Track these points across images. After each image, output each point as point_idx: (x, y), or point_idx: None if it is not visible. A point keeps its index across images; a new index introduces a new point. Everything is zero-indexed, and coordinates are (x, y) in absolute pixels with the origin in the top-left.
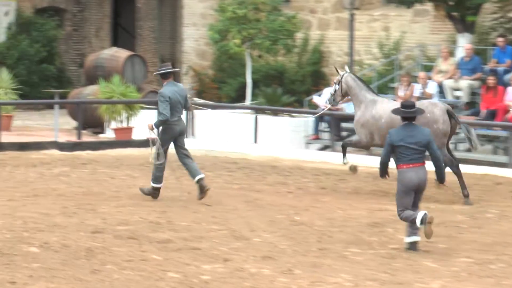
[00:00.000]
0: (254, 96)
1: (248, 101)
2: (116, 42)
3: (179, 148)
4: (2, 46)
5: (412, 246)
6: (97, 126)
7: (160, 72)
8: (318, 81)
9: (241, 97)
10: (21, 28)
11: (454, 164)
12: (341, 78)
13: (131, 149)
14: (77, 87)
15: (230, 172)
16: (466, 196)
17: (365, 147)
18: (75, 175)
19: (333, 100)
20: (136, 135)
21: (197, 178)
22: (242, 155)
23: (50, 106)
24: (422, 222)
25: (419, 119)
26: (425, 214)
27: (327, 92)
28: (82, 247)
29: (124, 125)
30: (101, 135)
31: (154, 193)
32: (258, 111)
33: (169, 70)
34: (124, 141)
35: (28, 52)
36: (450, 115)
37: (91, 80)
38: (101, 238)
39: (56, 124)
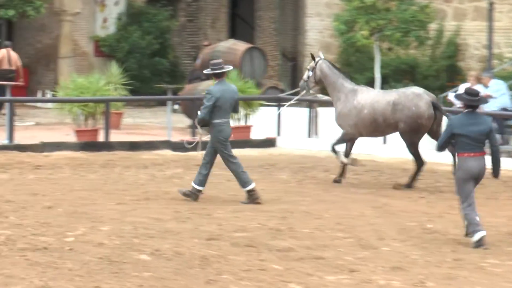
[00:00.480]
0: None
1: None
2: (233, 33)
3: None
4: (111, 38)
5: (480, 243)
6: None
7: (214, 72)
8: (454, 76)
9: None
10: (132, 19)
11: (422, 162)
12: (316, 65)
13: (249, 149)
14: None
15: (356, 175)
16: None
17: (352, 139)
18: (189, 177)
19: (306, 87)
20: (255, 134)
21: (202, 188)
22: (370, 157)
23: (162, 103)
24: (478, 241)
25: (402, 111)
26: (484, 236)
27: (462, 88)
28: (196, 255)
29: (242, 123)
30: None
31: (250, 197)
32: None
33: (223, 70)
34: (241, 140)
35: (139, 44)
36: (435, 107)
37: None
38: (216, 246)
39: (169, 122)
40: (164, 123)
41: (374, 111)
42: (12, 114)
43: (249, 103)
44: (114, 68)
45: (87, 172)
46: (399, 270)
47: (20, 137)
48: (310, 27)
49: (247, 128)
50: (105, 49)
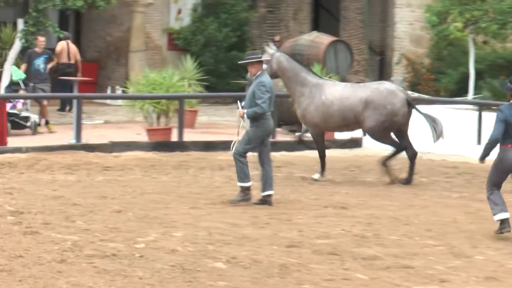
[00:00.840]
0: (477, 89)
1: (470, 95)
2: (317, 26)
3: (264, 148)
4: (186, 30)
5: (504, 225)
6: (294, 123)
7: (256, 59)
8: None
9: (462, 90)
10: (208, 10)
11: (414, 153)
12: (272, 58)
13: (333, 150)
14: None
15: (448, 178)
16: (406, 181)
17: (321, 137)
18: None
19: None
20: (339, 134)
21: (265, 193)
22: (463, 159)
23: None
24: (502, 224)
25: (376, 109)
26: (507, 219)
27: None
28: (275, 264)
29: None
30: (298, 134)
31: (245, 195)
32: (482, 106)
33: (262, 59)
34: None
35: (215, 37)
36: (409, 104)
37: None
38: (297, 253)
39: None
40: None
41: (345, 107)
42: (79, 112)
43: None
44: (189, 63)
45: (159, 174)
46: (494, 281)
47: (88, 136)
48: (400, 18)
49: None
50: (179, 42)
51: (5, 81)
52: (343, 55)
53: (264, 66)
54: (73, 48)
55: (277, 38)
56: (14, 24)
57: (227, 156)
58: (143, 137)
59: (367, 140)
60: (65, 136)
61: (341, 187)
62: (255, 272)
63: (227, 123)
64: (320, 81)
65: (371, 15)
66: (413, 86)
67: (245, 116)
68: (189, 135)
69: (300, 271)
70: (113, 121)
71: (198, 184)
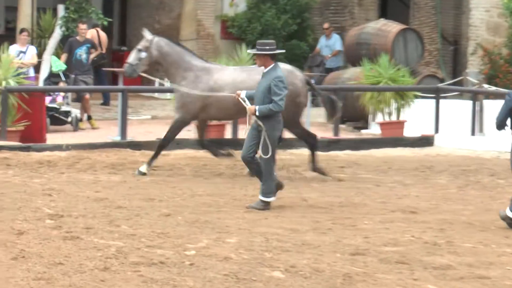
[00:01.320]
0: None
1: None
2: (384, 12)
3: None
4: (241, 17)
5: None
6: (359, 119)
7: (272, 52)
8: None
9: None
10: None
11: (313, 136)
12: (151, 44)
13: (402, 149)
14: (311, 69)
15: None
16: (316, 170)
17: (188, 123)
18: (331, 181)
19: (132, 71)
20: (409, 131)
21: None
22: None
23: None
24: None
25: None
26: None
27: None
28: (338, 273)
29: (394, 118)
30: (363, 131)
31: (265, 205)
32: None
33: (278, 51)
34: (393, 138)
35: (273, 25)
36: (308, 83)
37: (353, 60)
38: (362, 262)
39: (307, 117)
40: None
41: (234, 91)
42: (125, 106)
43: (402, 94)
44: (244, 53)
45: (211, 175)
46: None
47: (134, 133)
48: (475, 5)
49: (400, 124)
50: (234, 31)
51: (44, 72)
52: (413, 44)
53: (142, 54)
54: (104, 36)
55: (326, 25)
56: (54, 11)
57: (285, 155)
58: (194, 134)
59: (440, 138)
60: (109, 133)
61: (411, 189)
62: (316, 282)
63: None
64: (206, 65)
65: (444, 1)
66: (490, 79)
67: (257, 113)
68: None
69: (365, 281)
70: (161, 116)
71: (254, 185)
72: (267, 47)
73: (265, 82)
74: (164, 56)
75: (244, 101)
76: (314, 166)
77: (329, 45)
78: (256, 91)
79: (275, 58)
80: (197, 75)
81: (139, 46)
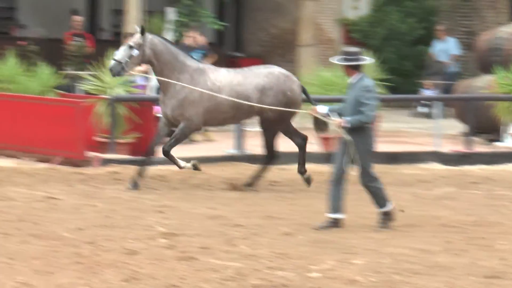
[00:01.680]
0: None
1: None
2: None
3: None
4: (364, 21)
5: None
6: (493, 131)
7: (357, 62)
8: None
9: None
10: None
11: (303, 137)
12: (144, 41)
13: None
14: (466, 77)
15: None
16: (303, 173)
17: (195, 130)
18: (464, 198)
19: (121, 69)
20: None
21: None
22: None
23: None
24: None
25: (276, 97)
26: None
27: None
28: None
29: None
30: (498, 144)
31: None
32: None
33: (363, 62)
34: None
35: (398, 29)
36: (303, 90)
37: (485, 68)
38: (498, 285)
39: (437, 129)
40: (432, 129)
41: (237, 96)
42: None
43: None
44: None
45: None
46: None
47: (251, 145)
48: None
49: None
50: (356, 35)
51: (154, 80)
52: None
53: (133, 52)
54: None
55: (440, 27)
56: (161, 14)
57: (414, 170)
58: (316, 147)
59: None
60: (225, 145)
61: None
62: None
63: (413, 130)
64: (200, 66)
65: None
66: None
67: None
68: None
69: None
70: None
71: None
72: (350, 57)
73: (353, 93)
74: (158, 55)
75: (328, 116)
76: (302, 169)
77: (446, 49)
78: (344, 104)
79: (360, 68)
80: (192, 76)
81: (131, 43)
